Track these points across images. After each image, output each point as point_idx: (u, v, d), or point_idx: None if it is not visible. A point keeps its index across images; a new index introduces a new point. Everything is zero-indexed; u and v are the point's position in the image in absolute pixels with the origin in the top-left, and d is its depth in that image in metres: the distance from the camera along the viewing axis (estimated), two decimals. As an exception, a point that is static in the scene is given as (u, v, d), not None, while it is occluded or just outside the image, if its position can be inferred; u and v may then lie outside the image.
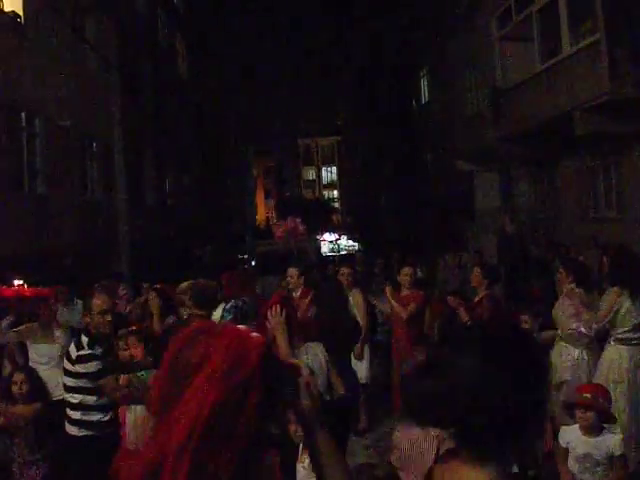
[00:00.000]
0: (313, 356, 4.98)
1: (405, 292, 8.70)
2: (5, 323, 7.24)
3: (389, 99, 33.48)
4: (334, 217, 66.57)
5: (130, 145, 21.28)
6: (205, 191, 33.41)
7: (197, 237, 29.92)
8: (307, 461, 4.20)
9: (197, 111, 32.55)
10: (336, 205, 75.06)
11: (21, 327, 7.42)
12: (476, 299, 8.14)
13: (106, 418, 5.42)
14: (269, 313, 4.61)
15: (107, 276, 15.11)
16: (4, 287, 6.57)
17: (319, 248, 40.22)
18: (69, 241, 15.90)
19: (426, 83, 28.46)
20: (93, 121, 18.79)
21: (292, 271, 8.50)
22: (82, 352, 5.38)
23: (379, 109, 35.46)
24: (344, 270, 8.97)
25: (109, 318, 5.47)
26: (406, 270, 8.83)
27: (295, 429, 4.18)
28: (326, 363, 5.02)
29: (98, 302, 5.52)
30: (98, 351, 5.42)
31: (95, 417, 5.38)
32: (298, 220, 19.36)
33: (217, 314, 7.32)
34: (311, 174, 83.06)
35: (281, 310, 4.59)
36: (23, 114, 14.85)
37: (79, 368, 5.36)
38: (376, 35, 33.24)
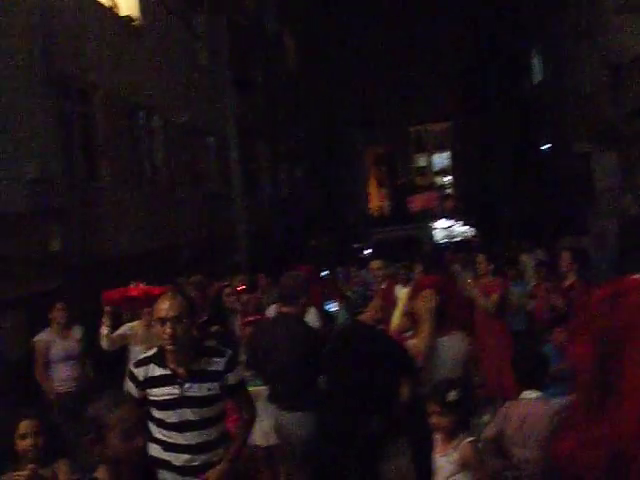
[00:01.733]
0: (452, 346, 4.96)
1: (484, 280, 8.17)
2: (106, 330, 6.72)
3: (500, 81, 32.62)
4: (447, 203, 65.51)
5: (244, 138, 21.62)
6: (318, 181, 33.55)
7: (312, 227, 30.10)
8: (454, 455, 4.05)
9: (308, 103, 32.68)
10: (449, 191, 73.90)
11: (123, 328, 7.11)
12: (566, 284, 7.76)
13: None
14: (420, 299, 4.55)
15: (226, 267, 15.43)
16: (131, 287, 6.50)
17: (432, 236, 39.71)
18: (190, 236, 16.25)
19: (539, 63, 27.46)
20: (208, 116, 19.16)
21: (376, 263, 8.11)
22: None
23: (491, 92, 34.64)
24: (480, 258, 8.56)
25: (179, 328, 3.80)
26: (480, 258, 8.39)
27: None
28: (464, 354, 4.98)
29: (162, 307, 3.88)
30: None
31: None
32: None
33: (311, 317, 7.10)
34: (423, 161, 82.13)
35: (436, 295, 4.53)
36: (142, 112, 15.27)
37: None
38: (487, 18, 32.44)
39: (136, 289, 6.35)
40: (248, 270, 16.33)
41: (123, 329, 7.09)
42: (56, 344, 7.87)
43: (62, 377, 7.83)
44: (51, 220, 9.86)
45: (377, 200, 66.22)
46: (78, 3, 12.43)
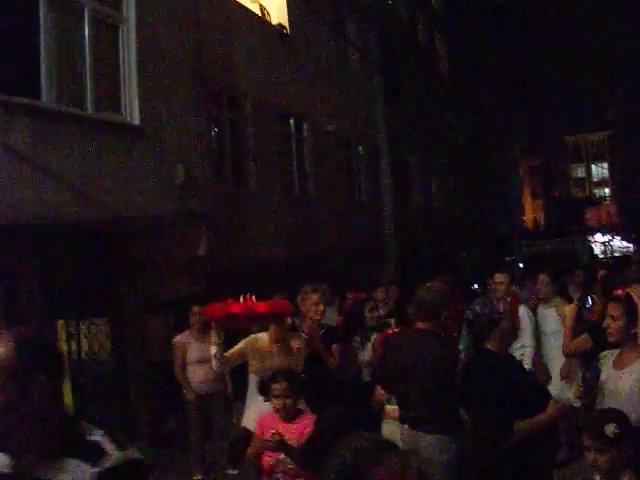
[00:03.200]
0: None
1: None
2: (214, 349, 5.54)
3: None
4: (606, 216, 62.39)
5: (395, 147, 21.27)
6: (472, 192, 32.68)
7: (464, 239, 29.30)
8: None
9: (460, 112, 31.94)
10: (608, 203, 70.50)
11: (238, 347, 5.87)
12: None
13: None
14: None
15: (373, 279, 15.08)
16: (232, 301, 5.37)
17: (591, 249, 37.77)
18: (338, 244, 16.05)
19: None
20: (358, 124, 18.95)
21: (499, 277, 7.80)
22: None
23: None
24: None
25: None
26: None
27: None
28: None
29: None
30: None
31: None
32: (612, 206, 17.91)
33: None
34: (580, 172, 78.81)
35: None
36: (292, 120, 15.26)
37: None
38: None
39: (238, 305, 5.33)
40: (395, 283, 15.90)
41: (245, 342, 5.90)
42: (192, 346, 8.06)
43: (198, 379, 8.02)
44: (198, 225, 9.87)
45: (531, 212, 64.13)
46: (230, 12, 12.55)
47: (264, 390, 4.78)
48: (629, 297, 4.73)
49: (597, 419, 3.58)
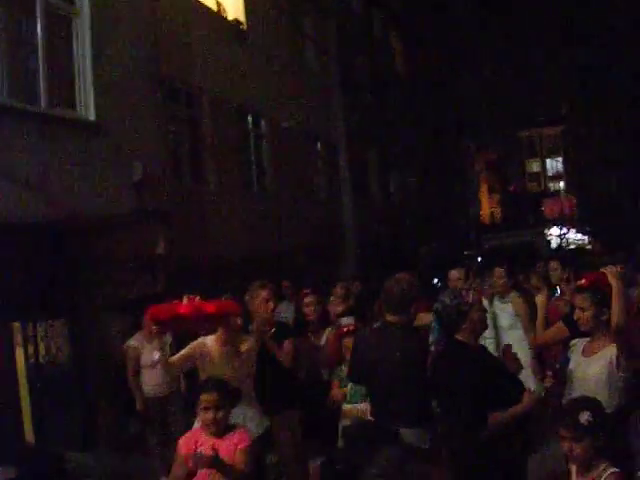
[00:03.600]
0: None
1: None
2: (157, 355, 5.58)
3: (624, 81, 31.06)
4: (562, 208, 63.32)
5: (353, 143, 21.23)
6: (428, 188, 32.83)
7: (422, 235, 29.41)
8: None
9: (417, 108, 32.05)
10: (564, 196, 71.51)
11: (184, 351, 5.42)
12: None
13: None
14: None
15: (332, 276, 15.02)
16: (178, 302, 4.86)
17: (549, 242, 38.28)
18: (298, 241, 15.96)
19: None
20: (316, 121, 18.87)
21: (454, 273, 7.80)
22: None
23: (612, 92, 33.10)
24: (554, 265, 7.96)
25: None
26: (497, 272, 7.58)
27: None
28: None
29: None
30: None
31: None
32: (570, 199, 17.97)
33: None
34: (535, 166, 79.78)
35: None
36: (250, 117, 15.12)
37: None
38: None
39: (186, 306, 4.78)
40: (357, 278, 15.86)
41: (192, 346, 5.44)
42: (146, 349, 7.89)
43: (153, 382, 7.91)
44: (156, 223, 9.69)
45: (488, 206, 64.71)
46: (185, 7, 12.36)
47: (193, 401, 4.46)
48: (594, 286, 4.74)
49: (571, 408, 3.56)
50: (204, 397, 4.28)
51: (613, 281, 4.48)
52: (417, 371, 4.48)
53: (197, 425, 4.61)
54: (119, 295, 9.45)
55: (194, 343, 5.41)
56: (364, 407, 5.23)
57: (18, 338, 8.72)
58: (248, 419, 5.14)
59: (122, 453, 8.58)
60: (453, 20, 44.25)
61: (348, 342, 5.75)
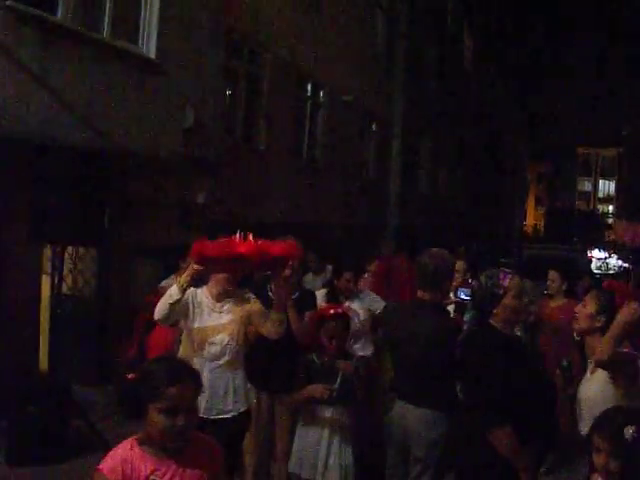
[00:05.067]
0: None
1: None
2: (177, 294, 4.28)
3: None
4: (606, 233, 62.30)
5: (408, 130, 20.93)
6: (478, 188, 32.37)
7: (464, 233, 29.03)
8: None
9: (478, 105, 31.57)
10: (610, 221, 70.38)
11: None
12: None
13: None
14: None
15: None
16: (231, 240, 4.05)
17: (590, 262, 37.57)
18: (338, 216, 15.75)
19: None
20: (376, 100, 18.59)
21: (553, 274, 7.50)
22: None
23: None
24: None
25: None
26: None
27: None
28: None
29: None
30: None
31: None
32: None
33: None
34: (587, 185, 78.62)
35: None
36: (310, 84, 14.90)
37: None
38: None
39: (246, 245, 4.00)
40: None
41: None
42: None
43: None
44: (200, 172, 9.56)
45: (533, 218, 63.91)
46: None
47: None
48: (610, 291, 4.43)
49: (613, 419, 3.24)
50: (175, 391, 2.59)
51: (624, 311, 3.83)
52: (444, 352, 4.21)
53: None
54: (153, 240, 9.34)
55: (187, 292, 4.46)
56: None
57: (47, 266, 8.65)
58: (231, 391, 4.55)
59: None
60: (530, 27, 43.54)
61: (328, 328, 4.83)
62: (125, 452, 2.64)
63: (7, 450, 6.44)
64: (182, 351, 4.71)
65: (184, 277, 4.20)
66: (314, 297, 5.85)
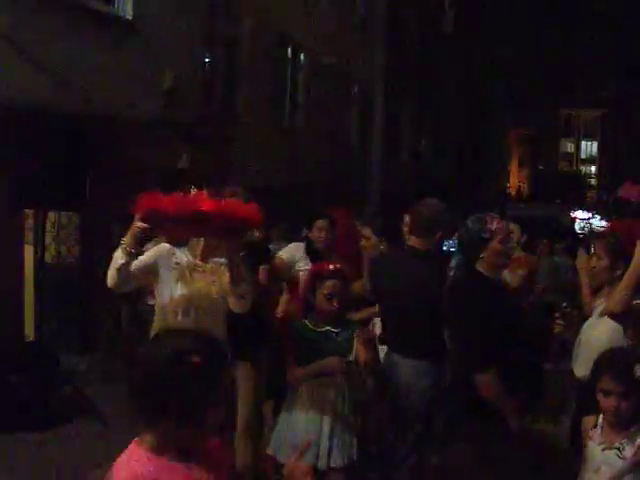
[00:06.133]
0: None
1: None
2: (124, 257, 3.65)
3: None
4: (589, 194, 62.64)
5: (390, 94, 20.79)
6: (461, 153, 32.32)
7: (446, 200, 29.03)
8: (628, 450, 3.09)
9: (459, 72, 31.37)
10: (592, 182, 70.72)
11: (146, 258, 3.93)
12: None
13: None
14: None
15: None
16: (200, 197, 3.47)
17: (573, 222, 37.79)
18: (320, 179, 15.68)
19: None
20: (356, 64, 18.43)
21: (513, 226, 7.47)
22: None
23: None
24: None
25: None
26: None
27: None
28: None
29: None
30: None
31: None
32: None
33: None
34: (569, 147, 78.71)
35: None
36: (290, 47, 14.74)
37: None
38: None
39: (210, 202, 3.39)
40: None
41: (156, 254, 3.96)
42: None
43: None
44: (181, 136, 9.45)
45: (516, 180, 64.07)
46: None
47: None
48: (617, 235, 4.41)
49: (622, 359, 3.21)
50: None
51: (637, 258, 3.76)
52: (432, 299, 4.18)
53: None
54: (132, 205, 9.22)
55: (157, 248, 3.98)
56: None
57: (29, 236, 8.56)
58: None
59: (119, 360, 8.45)
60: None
61: (327, 287, 4.16)
62: (143, 467, 2.01)
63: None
64: (156, 324, 3.92)
65: (127, 237, 3.61)
66: (267, 250, 5.36)
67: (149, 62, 8.82)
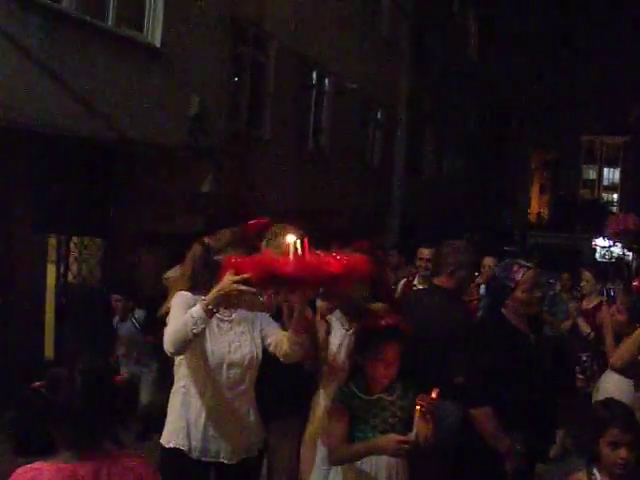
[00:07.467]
0: None
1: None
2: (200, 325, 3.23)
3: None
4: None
5: (412, 118, 20.86)
6: (481, 176, 32.25)
7: (467, 222, 29.00)
8: None
9: (482, 93, 31.40)
10: (614, 209, 70.18)
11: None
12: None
13: None
14: None
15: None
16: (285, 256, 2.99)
17: (594, 251, 37.50)
18: (343, 204, 15.71)
19: None
20: (380, 88, 18.49)
21: (587, 275, 7.51)
22: None
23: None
24: None
25: None
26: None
27: None
28: None
29: None
30: None
31: None
32: (633, 216, 17.13)
33: None
34: (591, 174, 78.32)
35: None
36: (315, 71, 14.82)
37: None
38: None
39: (294, 262, 2.91)
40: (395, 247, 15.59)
41: (183, 304, 3.38)
42: None
43: None
44: (206, 161, 9.52)
45: (537, 206, 63.74)
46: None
47: None
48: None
49: (628, 411, 3.20)
50: None
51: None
52: (454, 338, 4.17)
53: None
54: (158, 228, 9.32)
55: (184, 301, 3.35)
56: None
57: (52, 255, 8.65)
58: (253, 421, 3.57)
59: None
60: (534, 12, 43.31)
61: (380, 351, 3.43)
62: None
63: (16, 441, 6.32)
64: (186, 382, 3.46)
65: (213, 295, 3.07)
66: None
67: (176, 88, 8.91)
